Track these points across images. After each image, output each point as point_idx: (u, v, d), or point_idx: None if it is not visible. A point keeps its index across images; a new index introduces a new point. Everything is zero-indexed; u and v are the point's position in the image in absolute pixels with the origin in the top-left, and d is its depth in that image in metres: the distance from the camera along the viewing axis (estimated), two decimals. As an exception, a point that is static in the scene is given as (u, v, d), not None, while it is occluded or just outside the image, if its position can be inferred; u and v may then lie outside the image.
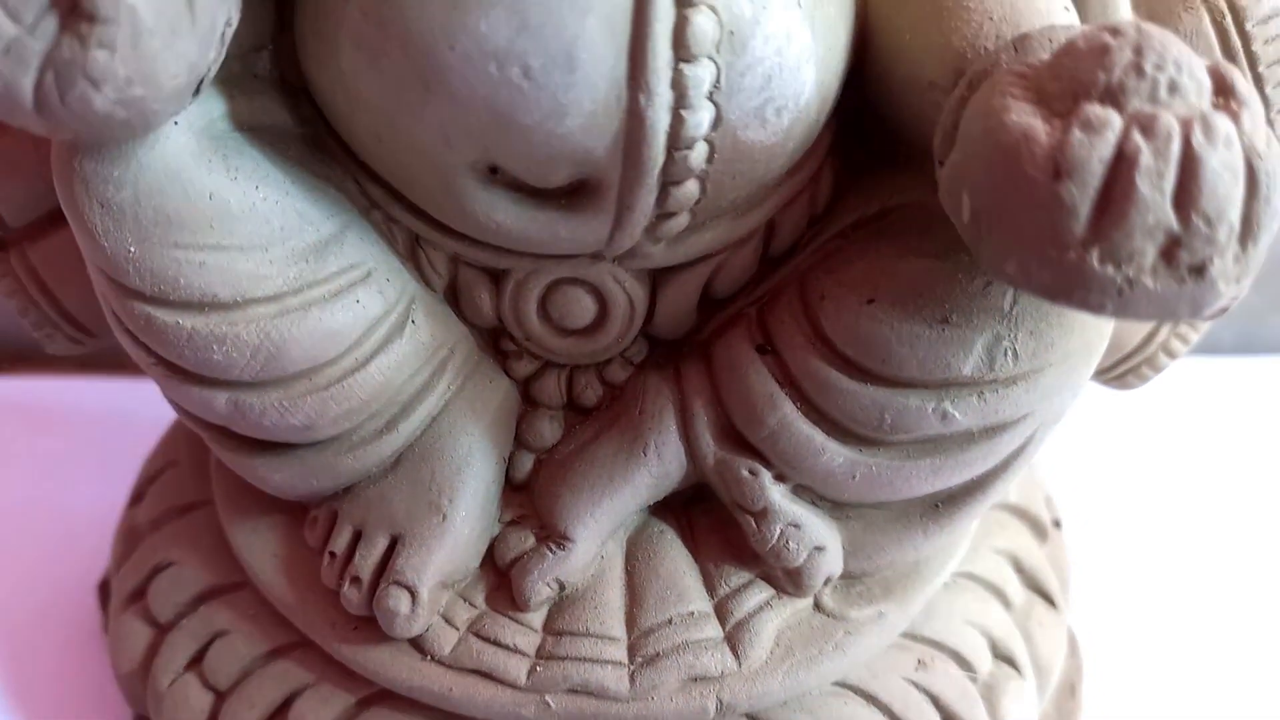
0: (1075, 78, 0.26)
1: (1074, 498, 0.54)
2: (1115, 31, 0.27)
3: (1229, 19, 0.38)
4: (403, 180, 0.34)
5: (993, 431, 0.35)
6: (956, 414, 0.34)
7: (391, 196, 0.35)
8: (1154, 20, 0.37)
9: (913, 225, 0.35)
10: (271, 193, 0.33)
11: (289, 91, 0.35)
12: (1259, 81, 0.39)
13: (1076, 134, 0.25)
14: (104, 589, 0.50)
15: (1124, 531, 0.57)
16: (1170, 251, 0.26)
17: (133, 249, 0.32)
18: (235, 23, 0.29)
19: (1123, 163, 0.25)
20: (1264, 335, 0.76)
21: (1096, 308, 0.26)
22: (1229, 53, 0.38)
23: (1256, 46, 0.38)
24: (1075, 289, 0.26)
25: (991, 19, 0.32)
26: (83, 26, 0.26)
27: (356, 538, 0.37)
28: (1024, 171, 0.26)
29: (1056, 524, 0.49)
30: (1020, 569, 0.44)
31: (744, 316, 0.37)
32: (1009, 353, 0.33)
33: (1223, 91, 0.27)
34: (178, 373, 0.34)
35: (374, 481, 0.38)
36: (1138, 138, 0.25)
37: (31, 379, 0.66)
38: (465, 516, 0.37)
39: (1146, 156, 0.25)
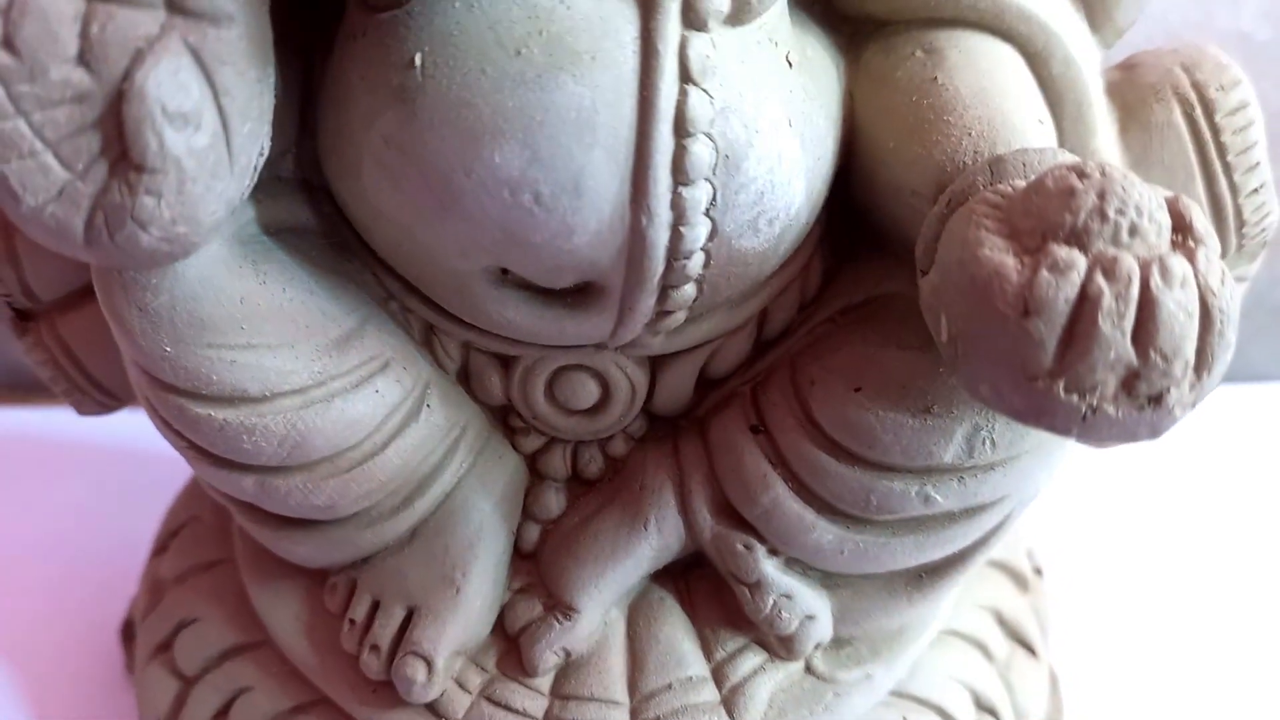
0: (1044, 217, 0.29)
1: (1055, 533, 0.56)
2: (1081, 174, 0.29)
3: (1199, 110, 0.40)
4: (418, 278, 0.36)
5: (972, 512, 0.37)
6: (938, 497, 0.36)
7: (407, 290, 0.37)
8: (1127, 114, 0.40)
9: (896, 315, 0.37)
10: (297, 293, 0.36)
11: (310, 190, 0.37)
12: (1228, 170, 0.41)
13: (1044, 275, 0.28)
14: (127, 629, 0.52)
15: (1105, 567, 0.59)
16: (1130, 383, 0.28)
17: (168, 349, 0.34)
18: (267, 151, 0.31)
19: (1086, 303, 0.27)
20: (1244, 365, 0.78)
21: (1063, 431, 0.29)
22: (1199, 143, 0.40)
23: (1225, 137, 0.40)
24: (1043, 415, 0.29)
25: (970, 135, 0.35)
26: (131, 174, 0.28)
27: (375, 607, 0.40)
28: (996, 308, 0.28)
29: (1038, 571, 0.51)
30: (1002, 621, 0.47)
31: (739, 395, 0.40)
32: (987, 441, 0.36)
33: (1181, 228, 0.29)
34: (208, 457, 0.37)
35: (392, 553, 0.40)
36: (1100, 280, 0.27)
37: (52, 410, 0.67)
38: (477, 588, 0.39)
39: (1108, 298, 0.27)
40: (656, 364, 0.39)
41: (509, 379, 0.39)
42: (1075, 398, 0.28)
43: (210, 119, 0.28)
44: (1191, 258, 0.28)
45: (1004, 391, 0.29)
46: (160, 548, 0.50)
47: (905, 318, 0.37)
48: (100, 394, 0.45)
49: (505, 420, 0.41)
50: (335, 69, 0.34)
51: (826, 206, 0.38)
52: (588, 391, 0.39)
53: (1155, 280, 0.27)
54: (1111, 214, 0.28)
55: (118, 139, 0.28)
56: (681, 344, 0.38)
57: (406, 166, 0.32)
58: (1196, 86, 0.40)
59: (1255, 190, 0.41)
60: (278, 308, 0.35)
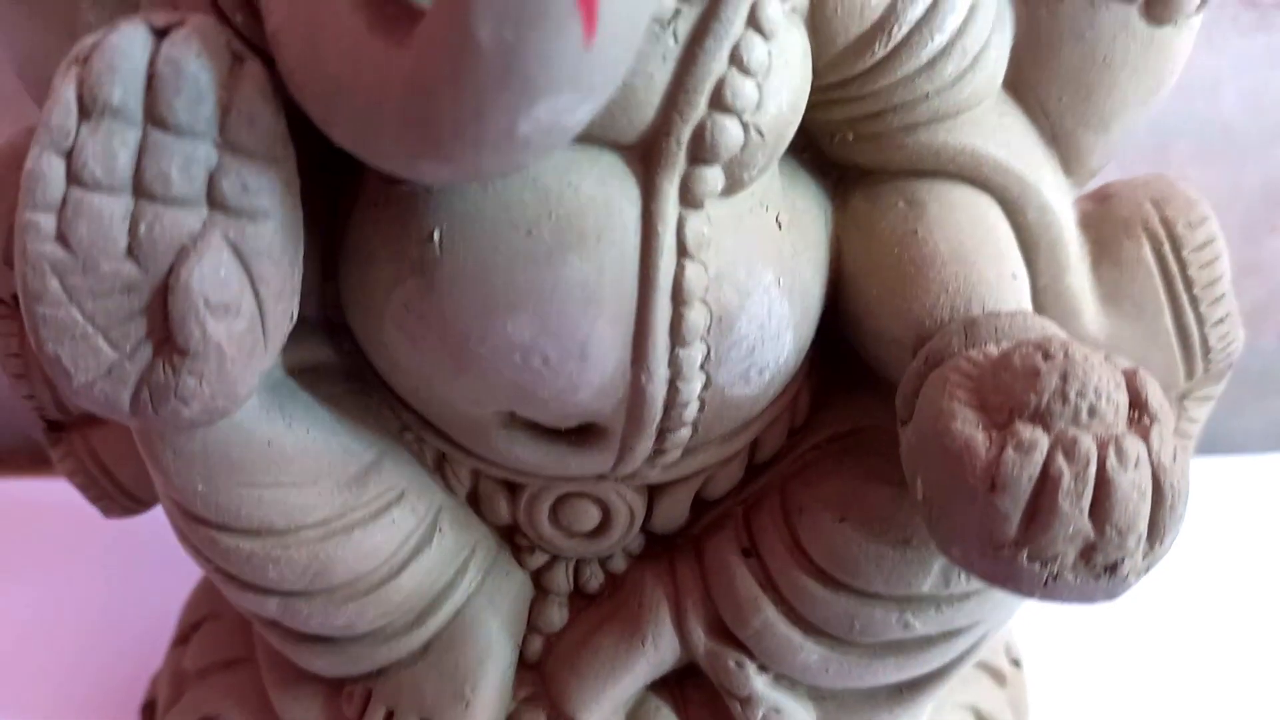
0: (1012, 394, 0.31)
1: (1034, 620, 0.58)
2: (1046, 354, 0.31)
3: (1167, 247, 0.43)
4: (433, 416, 0.39)
5: (949, 635, 0.40)
6: (917, 623, 0.39)
7: (422, 423, 0.40)
8: (1099, 248, 0.42)
9: (879, 450, 0.40)
10: (320, 433, 0.38)
11: (331, 328, 0.40)
12: (1195, 302, 0.43)
13: (1010, 454, 0.30)
14: (148, 710, 0.55)
15: (1085, 650, 0.62)
16: (1088, 553, 0.30)
17: (200, 487, 0.37)
18: (295, 317, 0.34)
19: (1048, 482, 0.30)
20: (1224, 437, 0.81)
21: (1026, 594, 0.31)
22: (1167, 278, 0.43)
23: (1192, 271, 0.43)
24: (1008, 580, 0.31)
25: (947, 291, 0.37)
26: (175, 357, 0.30)
27: (389, 717, 0.42)
28: (965, 480, 0.31)
29: (1015, 663, 0.54)
30: (980, 718, 0.49)
31: (731, 517, 0.42)
32: (962, 574, 0.38)
33: (1137, 404, 0.32)
34: (235, 581, 0.39)
35: (406, 666, 0.43)
36: (1061, 461, 0.30)
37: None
38: (486, 702, 0.42)
39: (1067, 479, 0.30)
40: (654, 490, 0.42)
41: (515, 503, 0.42)
42: (1037, 566, 0.31)
43: (248, 305, 0.31)
44: (1146, 435, 0.31)
45: (972, 556, 0.32)
46: (182, 637, 0.52)
47: (887, 453, 0.39)
48: (126, 499, 0.48)
49: (511, 538, 0.44)
50: (356, 231, 0.36)
51: (815, 339, 0.40)
52: (589, 516, 0.42)
53: (1112, 461, 0.30)
54: (1072, 396, 0.31)
55: (163, 324, 0.30)
56: (678, 474, 0.41)
57: (425, 330, 0.35)
58: (1165, 223, 0.43)
59: (1220, 320, 0.43)
60: (302, 449, 0.38)
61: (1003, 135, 0.40)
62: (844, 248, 0.40)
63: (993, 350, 0.34)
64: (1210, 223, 0.43)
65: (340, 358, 0.40)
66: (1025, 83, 0.40)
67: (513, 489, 0.42)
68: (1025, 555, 0.31)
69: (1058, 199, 0.41)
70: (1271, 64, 0.71)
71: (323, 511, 0.38)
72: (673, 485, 0.42)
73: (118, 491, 0.48)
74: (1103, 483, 0.30)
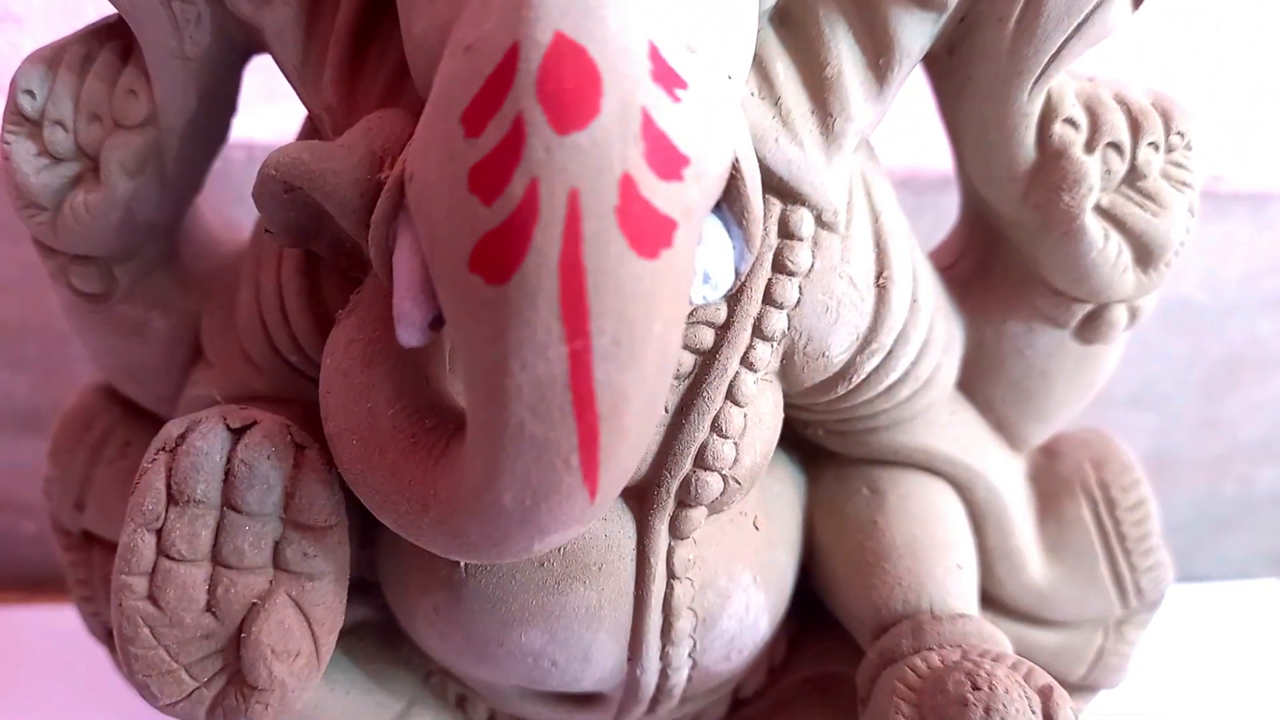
0: (945, 718, 0.37)
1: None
2: (974, 685, 0.37)
3: (1103, 508, 0.49)
4: (456, 673, 0.45)
5: None
6: None
7: (444, 671, 0.46)
8: (1045, 503, 0.48)
9: (842, 698, 0.46)
10: (358, 693, 0.44)
11: (366, 587, 0.46)
12: (1127, 554, 0.49)
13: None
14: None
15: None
16: None
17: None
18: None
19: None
20: (1190, 568, 0.87)
21: None
22: (1103, 534, 0.49)
23: (1125, 528, 0.49)
24: None
25: (900, 585, 0.43)
26: (245, 689, 0.37)
27: None
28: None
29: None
30: None
31: (718, 748, 0.49)
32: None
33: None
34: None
35: None
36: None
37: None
38: None
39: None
40: (649, 726, 0.48)
41: (528, 737, 0.48)
42: None
43: (307, 646, 0.37)
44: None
45: None
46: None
47: (849, 706, 0.45)
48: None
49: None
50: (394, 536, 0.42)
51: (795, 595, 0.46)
52: (593, 748, 0.48)
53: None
54: (994, 726, 0.37)
55: (235, 663, 0.36)
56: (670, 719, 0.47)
57: (452, 631, 0.41)
58: (1102, 485, 0.49)
59: (1150, 568, 0.49)
60: (342, 707, 0.44)
61: (953, 431, 0.46)
62: (816, 522, 0.46)
63: (935, 660, 0.39)
64: (1142, 485, 0.49)
65: (375, 613, 0.46)
66: (974, 385, 0.46)
67: (525, 725, 0.48)
68: None
69: (1003, 478, 0.47)
70: (1229, 247, 0.76)
71: (359, 757, 0.44)
72: (665, 724, 0.48)
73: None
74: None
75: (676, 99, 0.28)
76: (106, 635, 0.54)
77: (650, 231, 0.27)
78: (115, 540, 0.48)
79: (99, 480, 0.50)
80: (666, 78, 0.28)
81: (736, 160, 0.31)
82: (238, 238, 0.47)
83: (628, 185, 0.27)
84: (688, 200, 0.28)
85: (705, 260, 0.31)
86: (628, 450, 0.29)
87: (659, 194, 0.27)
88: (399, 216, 0.31)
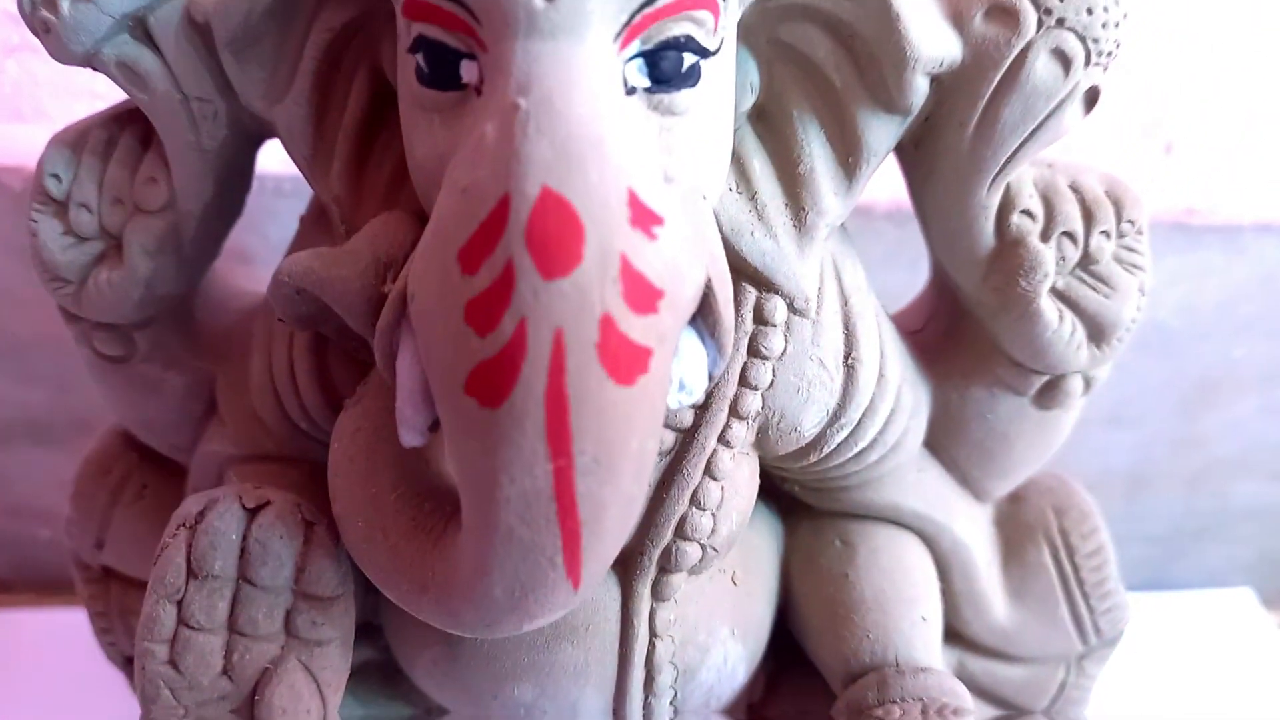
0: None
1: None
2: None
3: (1064, 554, 0.52)
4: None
5: None
6: None
7: (442, 710, 0.49)
8: (1009, 548, 0.51)
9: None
10: (363, 733, 0.48)
11: (370, 631, 0.49)
12: (1086, 596, 0.52)
13: (898, 828, 0.40)
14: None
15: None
16: None
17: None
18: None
19: None
20: (1165, 578, 0.90)
21: None
22: (1063, 578, 0.52)
23: (1084, 574, 0.52)
24: None
25: (868, 638, 0.46)
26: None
27: None
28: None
29: None
30: None
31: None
32: None
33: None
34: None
35: None
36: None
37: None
38: None
39: None
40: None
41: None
42: None
43: (316, 705, 0.40)
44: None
45: None
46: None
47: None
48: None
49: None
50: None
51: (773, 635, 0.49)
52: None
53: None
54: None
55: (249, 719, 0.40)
56: (654, 755, 0.50)
57: (449, 682, 0.44)
58: (1062, 532, 0.52)
59: (1108, 610, 0.52)
60: (349, 747, 0.47)
61: (920, 489, 0.49)
62: (792, 570, 0.49)
63: (897, 715, 0.43)
64: (1100, 533, 0.52)
65: (377, 654, 0.50)
66: (940, 444, 0.49)
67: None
68: None
69: (968, 529, 0.50)
70: (1202, 275, 0.79)
71: (363, 791, 0.48)
72: (649, 757, 0.51)
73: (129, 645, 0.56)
74: None
75: (653, 237, 0.31)
76: (125, 663, 0.58)
77: (627, 361, 0.30)
78: (133, 575, 0.52)
79: (118, 520, 0.54)
80: (643, 219, 0.31)
81: (709, 280, 0.33)
82: (250, 289, 0.50)
83: (607, 324, 0.30)
84: (662, 329, 0.31)
85: (681, 370, 0.34)
86: (607, 548, 0.32)
87: (635, 328, 0.30)
88: (401, 325, 0.34)
